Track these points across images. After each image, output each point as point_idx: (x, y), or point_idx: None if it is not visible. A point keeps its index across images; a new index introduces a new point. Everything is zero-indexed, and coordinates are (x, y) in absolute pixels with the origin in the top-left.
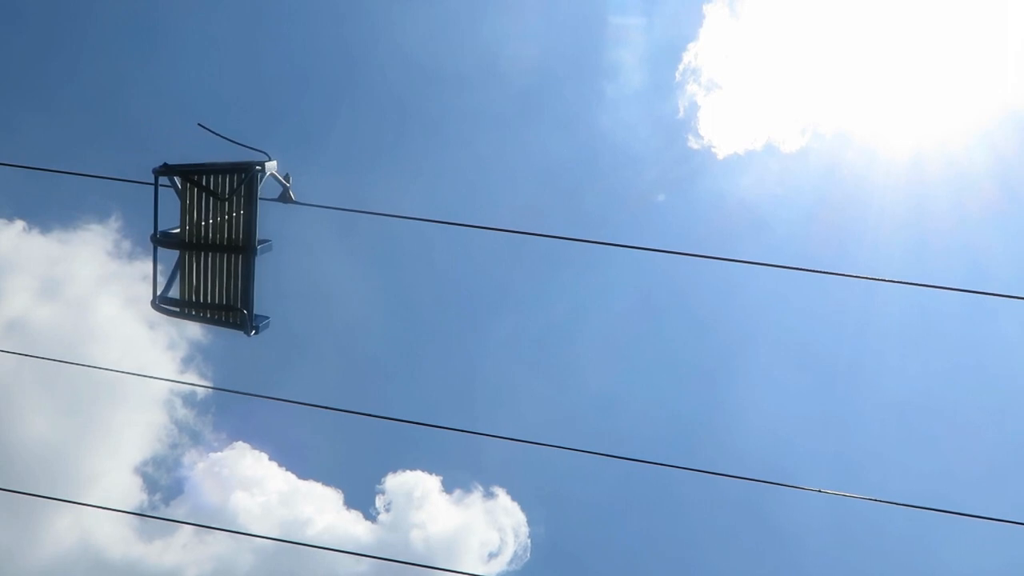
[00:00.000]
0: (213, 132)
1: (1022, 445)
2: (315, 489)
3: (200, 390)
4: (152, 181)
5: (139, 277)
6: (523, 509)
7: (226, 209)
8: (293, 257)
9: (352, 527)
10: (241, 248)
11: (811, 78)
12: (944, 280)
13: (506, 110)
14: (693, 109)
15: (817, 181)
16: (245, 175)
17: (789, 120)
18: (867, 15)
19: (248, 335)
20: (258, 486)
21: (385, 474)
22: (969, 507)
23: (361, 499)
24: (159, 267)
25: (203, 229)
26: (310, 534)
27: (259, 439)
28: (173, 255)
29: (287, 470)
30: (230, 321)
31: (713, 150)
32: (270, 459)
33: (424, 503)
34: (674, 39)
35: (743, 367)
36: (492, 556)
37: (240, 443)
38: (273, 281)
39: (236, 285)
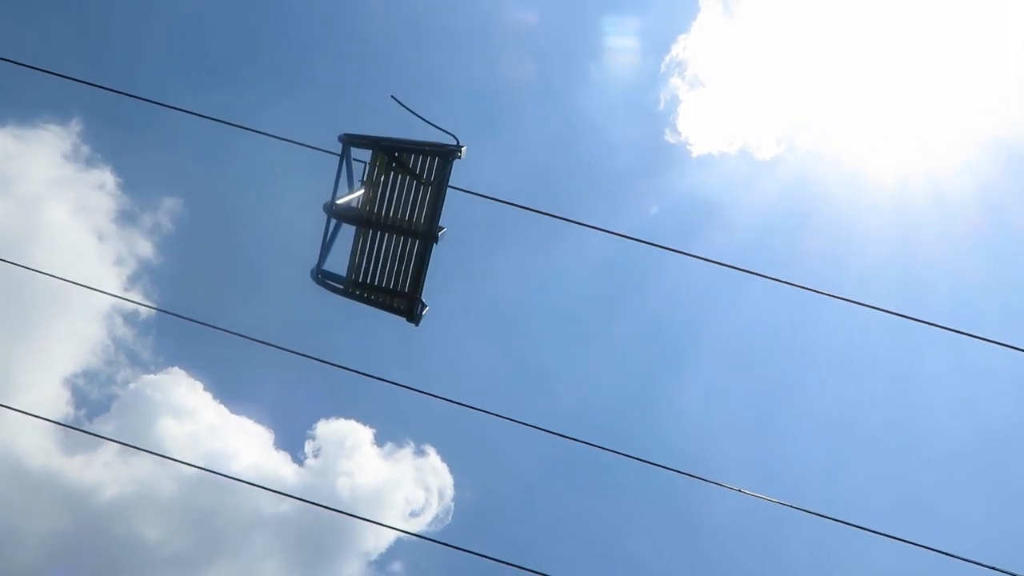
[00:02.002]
0: (407, 107)
1: (942, 471)
2: (246, 425)
3: (144, 311)
4: (338, 151)
5: (94, 185)
6: (452, 472)
7: (414, 191)
8: None
9: (279, 468)
10: (421, 233)
11: (795, 89)
12: (893, 302)
13: (485, 75)
14: (674, 103)
15: (784, 192)
16: (449, 159)
17: (767, 128)
18: (862, 36)
19: (415, 325)
20: (189, 415)
21: (318, 420)
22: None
23: (291, 441)
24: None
25: (387, 208)
26: (235, 469)
27: (197, 368)
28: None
29: (220, 403)
30: (396, 307)
31: (688, 147)
32: (205, 389)
33: (354, 453)
34: (665, 29)
35: (689, 361)
36: (414, 514)
37: (177, 369)
38: None
39: (408, 270)
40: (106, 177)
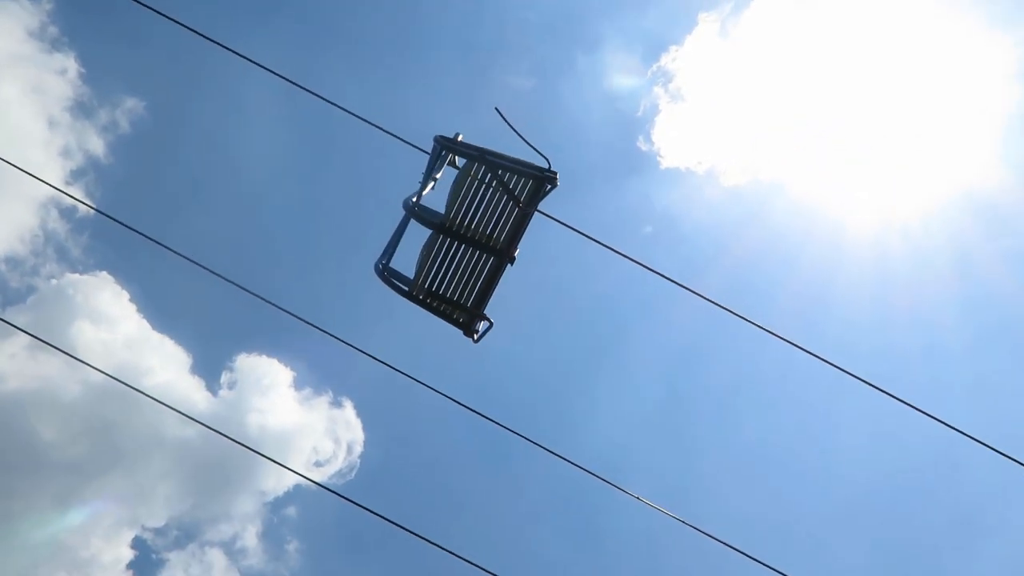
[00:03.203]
0: (508, 123)
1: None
2: (165, 344)
3: (83, 209)
4: (429, 150)
5: (55, 69)
6: (365, 429)
7: (501, 207)
8: None
9: (191, 393)
10: (499, 252)
11: (773, 122)
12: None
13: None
14: (653, 112)
15: (740, 220)
16: (544, 185)
17: (737, 155)
18: (851, 80)
19: (474, 342)
20: (108, 322)
21: (240, 352)
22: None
23: (208, 369)
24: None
25: (469, 218)
26: (145, 385)
27: (127, 277)
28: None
29: (144, 317)
30: (457, 319)
31: (658, 158)
32: (131, 300)
33: (270, 392)
34: (658, 36)
35: (620, 366)
36: (319, 464)
37: (106, 274)
38: None
39: (477, 286)
40: (70, 63)
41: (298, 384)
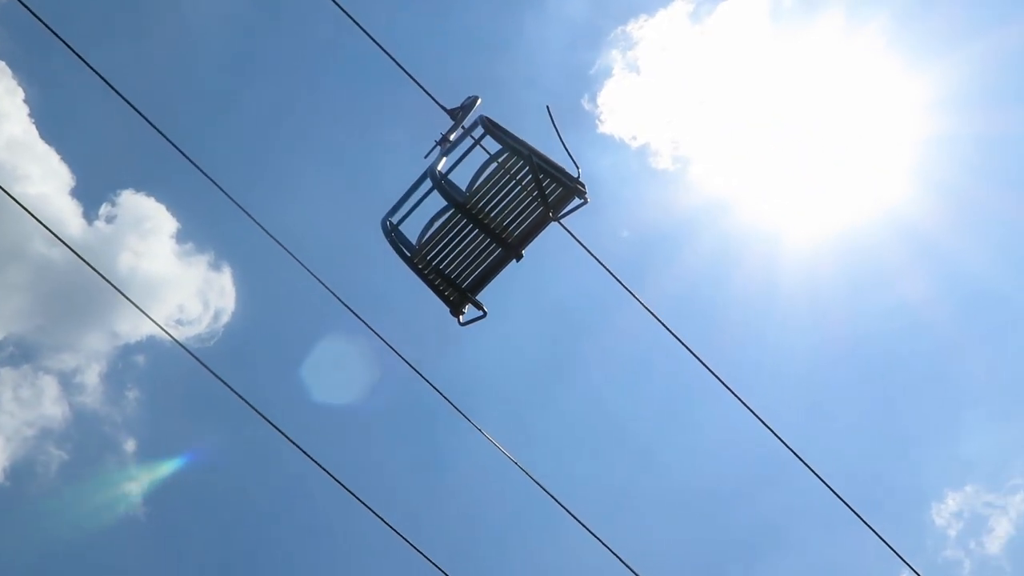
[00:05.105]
0: (555, 127)
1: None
2: (51, 157)
3: None
4: (470, 131)
5: None
6: (238, 299)
7: (524, 204)
8: None
9: (67, 215)
10: (510, 246)
11: (717, 117)
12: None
13: None
14: (604, 74)
15: (655, 203)
16: (579, 200)
17: (673, 141)
18: (804, 93)
19: (459, 324)
20: None
21: (128, 188)
22: None
23: (90, 195)
24: None
25: (492, 206)
26: (19, 192)
27: (27, 76)
28: None
29: (34, 121)
30: (448, 297)
31: (597, 121)
32: (25, 100)
33: (149, 236)
34: (629, 1)
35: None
36: (180, 323)
37: (3, 64)
38: None
39: (476, 272)
40: None
41: (180, 237)
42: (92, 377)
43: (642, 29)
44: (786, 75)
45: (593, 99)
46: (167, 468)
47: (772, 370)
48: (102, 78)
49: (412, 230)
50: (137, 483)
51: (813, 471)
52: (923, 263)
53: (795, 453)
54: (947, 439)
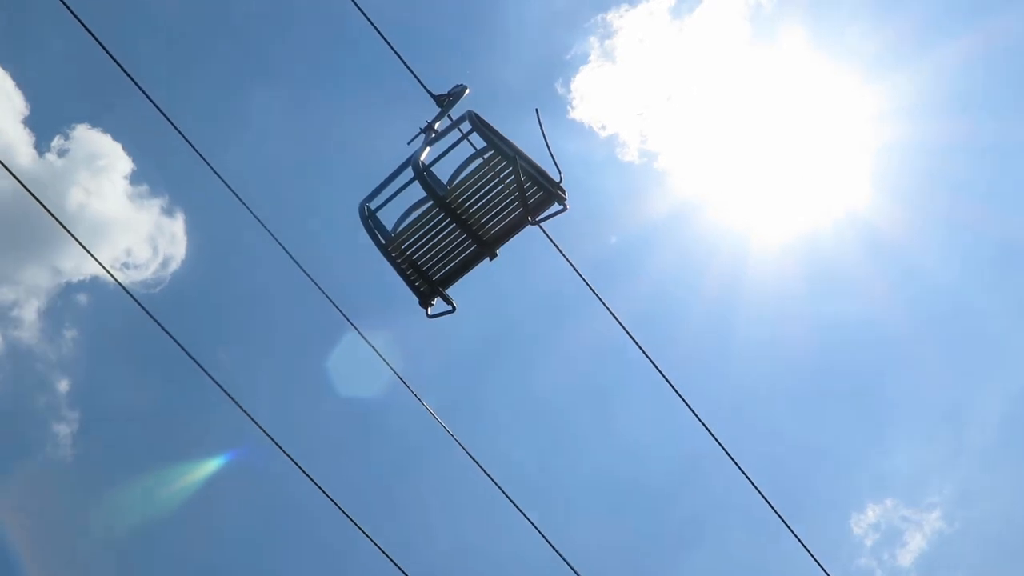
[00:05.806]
0: (542, 131)
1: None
2: (5, 83)
3: None
4: (455, 122)
5: None
6: (189, 248)
7: (503, 204)
8: None
9: (17, 145)
10: (485, 244)
11: (688, 116)
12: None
13: None
14: (580, 60)
15: (617, 195)
16: (558, 206)
17: (641, 136)
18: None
19: (427, 316)
20: None
21: (83, 121)
22: None
23: (43, 127)
24: None
25: (471, 203)
26: None
27: None
28: None
29: None
30: (418, 288)
31: (568, 106)
32: None
33: (101, 175)
34: None
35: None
36: (126, 266)
37: None
38: None
39: (449, 267)
40: None
41: (135, 179)
42: (30, 313)
43: (622, 19)
44: (759, 80)
45: (567, 84)
46: (100, 411)
47: (715, 370)
48: (66, 6)
49: (389, 216)
50: (67, 425)
51: (740, 468)
52: (877, 270)
53: (724, 448)
54: (874, 452)
